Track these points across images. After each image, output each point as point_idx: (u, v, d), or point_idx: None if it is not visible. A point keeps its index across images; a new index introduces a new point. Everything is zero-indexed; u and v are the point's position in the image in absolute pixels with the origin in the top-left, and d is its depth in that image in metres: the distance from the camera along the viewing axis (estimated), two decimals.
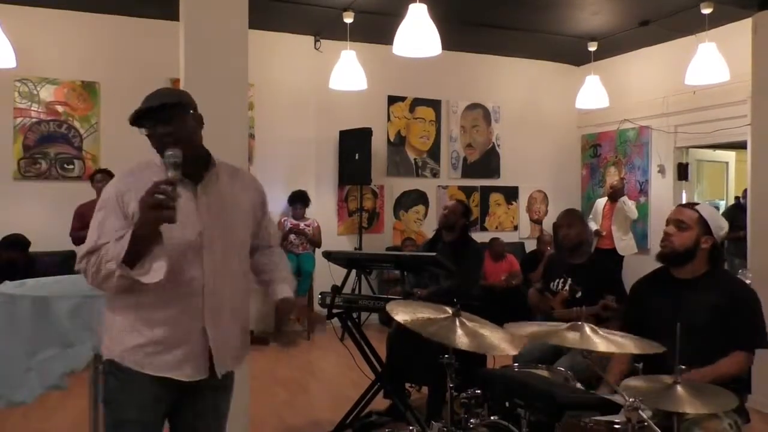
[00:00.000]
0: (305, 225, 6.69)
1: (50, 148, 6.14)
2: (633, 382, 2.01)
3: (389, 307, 2.27)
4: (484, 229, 8.02)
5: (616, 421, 2.03)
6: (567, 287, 3.61)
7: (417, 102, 7.70)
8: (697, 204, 2.63)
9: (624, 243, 7.11)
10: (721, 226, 2.57)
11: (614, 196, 7.28)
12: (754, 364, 2.48)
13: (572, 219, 3.75)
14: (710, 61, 5.40)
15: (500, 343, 2.14)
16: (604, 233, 7.17)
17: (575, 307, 3.44)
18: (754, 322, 2.47)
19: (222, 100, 3.28)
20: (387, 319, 2.36)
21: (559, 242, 3.82)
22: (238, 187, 2.05)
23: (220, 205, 1.95)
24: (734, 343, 2.43)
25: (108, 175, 5.60)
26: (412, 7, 4.11)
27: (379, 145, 7.31)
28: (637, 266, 6.07)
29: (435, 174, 7.83)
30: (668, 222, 2.61)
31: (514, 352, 2.16)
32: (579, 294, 3.52)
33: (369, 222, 7.42)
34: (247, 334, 2.10)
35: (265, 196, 2.16)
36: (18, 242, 5.58)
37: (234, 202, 2.00)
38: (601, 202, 7.41)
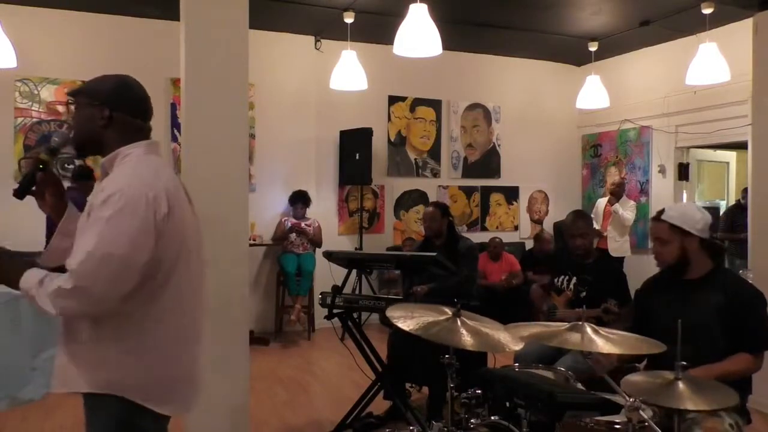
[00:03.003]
0: (306, 225, 6.69)
1: None
2: (633, 378, 2.01)
3: (389, 312, 2.27)
4: (484, 229, 8.02)
5: (617, 421, 2.03)
6: (572, 286, 3.61)
7: (417, 102, 7.70)
8: (663, 211, 2.59)
9: (617, 245, 7.08)
10: (695, 220, 2.52)
11: (613, 196, 7.25)
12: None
13: (583, 227, 3.70)
14: (711, 61, 5.39)
15: (503, 340, 2.15)
16: (605, 234, 7.16)
17: (578, 307, 3.44)
18: (759, 324, 2.45)
19: (222, 100, 3.29)
20: (387, 319, 2.35)
21: (573, 250, 3.76)
22: (95, 191, 1.77)
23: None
24: (739, 345, 2.42)
25: None
26: (412, 7, 4.10)
27: (379, 145, 7.31)
28: (638, 266, 6.09)
29: (435, 174, 7.83)
30: (651, 239, 2.66)
31: (518, 348, 2.16)
32: (583, 294, 3.52)
33: (369, 222, 7.42)
34: (70, 357, 1.73)
35: (95, 200, 1.67)
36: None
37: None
38: (602, 202, 7.40)
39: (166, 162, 1.85)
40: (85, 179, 5.46)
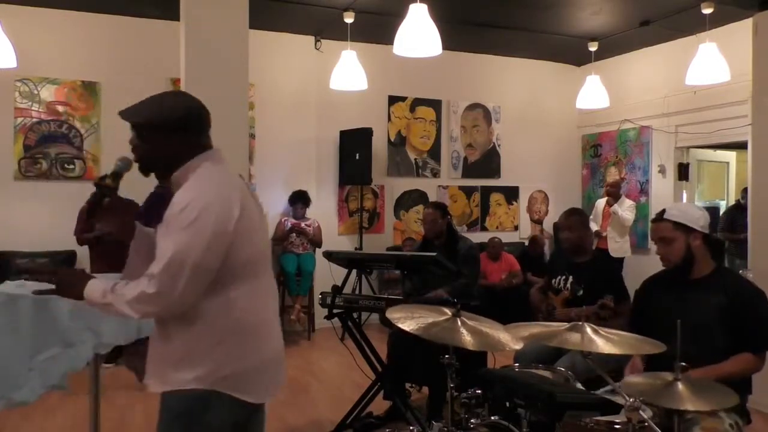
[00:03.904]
0: (306, 225, 6.69)
1: (51, 148, 6.14)
2: (633, 379, 2.01)
3: (389, 312, 2.27)
4: (484, 229, 8.02)
5: (617, 421, 2.03)
6: (569, 285, 3.61)
7: (417, 102, 7.70)
8: (664, 211, 2.62)
9: (618, 245, 7.08)
10: (696, 217, 2.56)
11: (611, 197, 7.25)
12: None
13: (573, 222, 3.73)
14: (711, 61, 5.39)
15: (504, 339, 2.15)
16: (604, 234, 7.16)
17: (576, 306, 3.45)
18: (761, 323, 2.45)
19: (222, 100, 3.28)
20: (387, 319, 2.35)
21: (560, 244, 3.81)
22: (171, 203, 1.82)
23: None
24: (741, 345, 2.42)
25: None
26: (412, 7, 4.10)
27: (379, 145, 7.31)
28: (638, 266, 6.09)
29: (435, 174, 7.83)
30: (654, 241, 2.64)
31: (518, 347, 2.17)
32: (581, 292, 3.53)
33: (369, 222, 7.42)
34: (159, 358, 1.86)
35: (170, 211, 1.75)
36: None
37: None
38: (602, 202, 7.41)
39: (231, 170, 1.93)
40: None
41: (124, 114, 1.89)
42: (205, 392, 1.79)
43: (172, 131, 1.83)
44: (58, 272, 1.81)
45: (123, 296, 1.71)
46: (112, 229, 2.06)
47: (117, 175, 1.98)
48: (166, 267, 1.69)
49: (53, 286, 1.80)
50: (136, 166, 1.92)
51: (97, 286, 1.76)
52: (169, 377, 1.81)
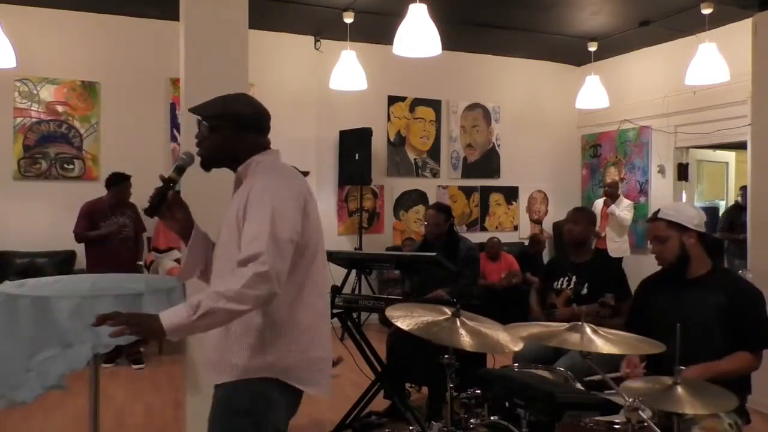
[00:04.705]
0: None
1: (50, 148, 6.14)
2: (633, 382, 2.01)
3: (389, 312, 2.27)
4: (484, 229, 8.02)
5: (616, 421, 2.03)
6: (571, 285, 3.62)
7: (417, 102, 7.70)
8: (659, 211, 2.64)
9: (616, 245, 7.07)
10: (691, 216, 2.57)
11: (609, 198, 7.25)
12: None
13: (579, 217, 3.75)
14: (710, 61, 5.39)
15: (503, 340, 2.15)
16: (603, 234, 7.16)
17: (579, 305, 3.45)
18: (759, 323, 2.46)
19: None
20: (387, 319, 2.35)
21: (563, 236, 3.83)
22: (239, 194, 1.90)
23: (224, 219, 1.94)
24: (739, 343, 2.43)
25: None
26: (412, 7, 4.10)
27: (379, 145, 7.31)
28: (638, 266, 6.08)
29: (435, 174, 7.83)
30: (649, 240, 2.67)
31: (517, 348, 2.17)
32: (584, 291, 3.53)
33: (369, 222, 7.42)
34: (221, 353, 1.86)
35: (252, 196, 1.82)
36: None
37: (227, 214, 1.91)
38: (600, 203, 7.40)
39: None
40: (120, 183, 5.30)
41: (196, 110, 1.98)
42: (272, 381, 1.82)
43: (240, 126, 1.94)
44: (123, 317, 1.72)
45: (223, 294, 1.66)
46: (173, 226, 2.05)
47: (180, 169, 2.00)
48: (270, 243, 1.71)
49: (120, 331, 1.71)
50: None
51: (176, 310, 1.70)
52: (236, 366, 1.82)
